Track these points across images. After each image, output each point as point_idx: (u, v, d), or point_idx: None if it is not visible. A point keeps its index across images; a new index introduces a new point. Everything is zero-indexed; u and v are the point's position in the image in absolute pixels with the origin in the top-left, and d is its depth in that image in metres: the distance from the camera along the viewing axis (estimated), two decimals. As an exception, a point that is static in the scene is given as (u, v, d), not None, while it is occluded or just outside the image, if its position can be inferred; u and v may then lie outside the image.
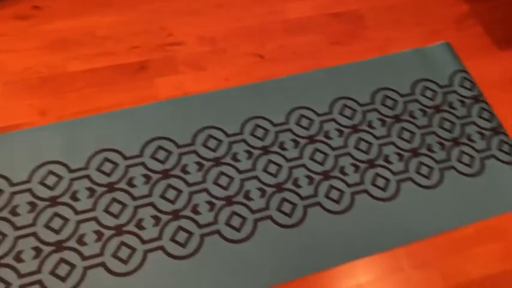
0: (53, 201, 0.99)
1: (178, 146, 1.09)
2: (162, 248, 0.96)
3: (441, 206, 1.08)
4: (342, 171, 1.10)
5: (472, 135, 1.18)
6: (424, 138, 1.17)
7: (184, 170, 1.06)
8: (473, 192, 1.10)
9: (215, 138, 1.11)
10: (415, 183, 1.10)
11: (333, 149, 1.13)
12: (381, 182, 1.09)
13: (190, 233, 0.98)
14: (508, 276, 1.02)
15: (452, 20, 1.41)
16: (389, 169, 1.11)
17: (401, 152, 1.14)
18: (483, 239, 1.06)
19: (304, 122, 1.16)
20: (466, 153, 1.15)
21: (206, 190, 1.04)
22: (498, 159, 1.15)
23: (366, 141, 1.15)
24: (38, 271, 0.91)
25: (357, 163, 1.11)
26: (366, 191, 1.08)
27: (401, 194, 1.08)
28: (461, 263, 1.02)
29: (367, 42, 1.33)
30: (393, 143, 1.15)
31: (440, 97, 1.24)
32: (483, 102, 1.23)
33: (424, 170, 1.12)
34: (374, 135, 1.16)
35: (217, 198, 1.03)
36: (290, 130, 1.14)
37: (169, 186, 1.03)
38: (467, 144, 1.17)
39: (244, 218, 1.01)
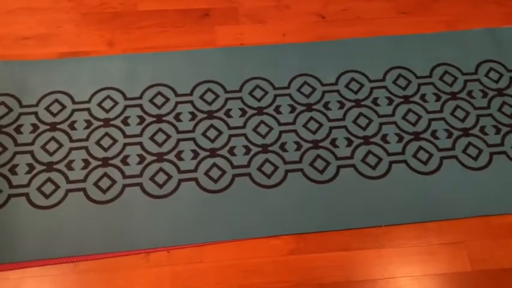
0: (107, 122, 1.08)
1: (226, 91, 1.13)
2: (195, 179, 1.02)
3: (483, 189, 1.03)
4: (384, 139, 1.08)
5: (534, 124, 1.10)
6: (479, 120, 1.11)
7: (228, 114, 1.10)
8: (522, 182, 1.04)
9: (262, 89, 1.14)
10: (460, 162, 1.06)
11: (379, 116, 1.11)
12: (423, 155, 1.06)
13: (223, 171, 1.03)
14: (544, 273, 0.96)
15: (538, 3, 1.30)
16: (434, 144, 1.08)
17: (451, 130, 1.10)
18: (524, 231, 1.00)
19: (354, 86, 1.15)
20: (523, 142, 1.08)
21: (245, 136, 1.08)
22: (559, 152, 1.07)
23: (415, 113, 1.12)
24: (84, 180, 1.01)
25: (402, 133, 1.09)
26: (405, 162, 1.06)
27: (442, 171, 1.05)
28: (494, 250, 0.98)
29: (437, 16, 1.27)
30: (444, 119, 1.11)
31: (506, 81, 1.16)
32: (554, 92, 1.14)
33: (472, 151, 1.07)
34: (425, 109, 1.12)
35: (254, 144, 1.06)
36: (338, 91, 1.14)
37: (212, 126, 1.08)
38: (527, 133, 1.09)
39: (275, 167, 1.04)
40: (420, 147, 1.07)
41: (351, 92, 1.14)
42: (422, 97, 1.14)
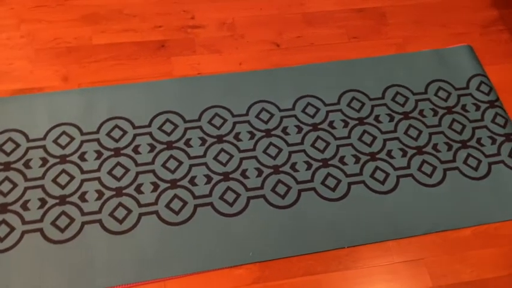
0: (63, 159, 1.06)
1: (185, 121, 1.13)
2: (156, 212, 1.01)
3: (439, 205, 1.06)
4: (342, 160, 1.11)
5: (482, 139, 1.15)
6: (431, 138, 1.15)
7: (187, 144, 1.10)
8: (475, 196, 1.08)
9: (221, 116, 1.15)
10: (416, 180, 1.09)
11: (336, 138, 1.14)
12: (380, 175, 1.09)
13: (184, 202, 1.02)
14: (501, 283, 0.99)
15: (478, 24, 1.38)
16: (390, 164, 1.11)
17: (406, 149, 1.13)
18: (479, 243, 1.03)
19: (310, 110, 1.17)
20: (473, 157, 1.13)
21: (206, 165, 1.08)
22: (507, 165, 1.12)
23: (371, 134, 1.15)
24: (40, 220, 0.98)
25: (358, 154, 1.12)
26: (364, 182, 1.08)
27: (399, 189, 1.07)
28: (453, 264, 1.01)
29: (387, 39, 1.33)
30: (398, 139, 1.15)
31: (454, 99, 1.22)
32: (499, 108, 1.20)
33: (427, 169, 1.11)
34: (379, 129, 1.16)
35: (215, 172, 1.06)
36: (295, 116, 1.16)
37: (172, 156, 1.08)
38: (476, 148, 1.14)
39: (237, 194, 1.04)
40: (377, 167, 1.10)
41: (307, 117, 1.16)
42: (376, 118, 1.18)
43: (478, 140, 1.15)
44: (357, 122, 1.16)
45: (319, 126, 1.15)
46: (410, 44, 1.33)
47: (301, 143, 1.12)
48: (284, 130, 1.14)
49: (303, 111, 1.17)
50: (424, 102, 1.21)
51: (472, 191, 1.08)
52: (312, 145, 1.12)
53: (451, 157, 1.13)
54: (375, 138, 1.14)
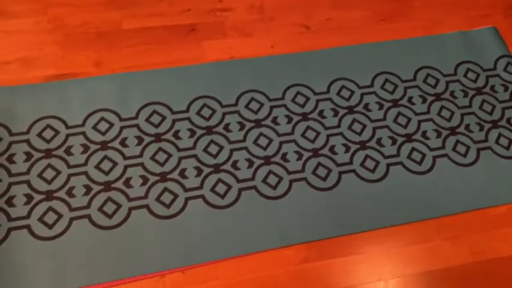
0: (104, 145, 1.05)
1: (223, 106, 1.13)
2: (202, 196, 1.01)
3: (475, 184, 1.09)
4: (379, 142, 1.13)
5: (511, 119, 1.18)
6: (463, 118, 1.18)
7: (226, 129, 1.10)
8: (508, 174, 1.11)
9: (258, 101, 1.15)
10: (451, 160, 1.12)
11: (371, 120, 1.15)
12: (417, 156, 1.11)
13: (228, 186, 1.03)
14: (537, 258, 1.03)
15: (501, 6, 1.40)
16: (426, 144, 1.13)
17: (440, 129, 1.16)
18: (515, 220, 1.07)
19: (345, 93, 1.18)
20: (504, 136, 1.16)
21: (246, 149, 1.08)
22: (537, 144, 1.15)
23: (405, 116, 1.17)
24: (87, 206, 0.98)
25: (394, 136, 1.14)
26: (402, 163, 1.10)
27: (435, 169, 1.10)
28: (490, 241, 1.04)
29: (414, 22, 1.34)
30: (432, 120, 1.17)
31: (483, 80, 1.24)
32: (526, 88, 1.23)
33: (461, 149, 1.13)
34: (413, 111, 1.18)
35: (256, 156, 1.07)
36: (330, 99, 1.17)
37: (212, 141, 1.08)
38: (506, 128, 1.17)
39: (280, 178, 1.06)
40: (413, 149, 1.12)
41: (342, 99, 1.17)
42: (410, 100, 1.19)
43: (508, 120, 1.18)
44: (391, 104, 1.18)
45: (354, 109, 1.16)
46: (436, 26, 1.34)
47: (338, 125, 1.14)
48: (320, 113, 1.15)
49: (338, 94, 1.18)
50: (455, 84, 1.23)
51: (506, 169, 1.11)
52: (349, 128, 1.14)
53: (483, 137, 1.16)
54: (409, 119, 1.16)
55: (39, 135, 1.04)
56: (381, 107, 1.17)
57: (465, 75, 1.24)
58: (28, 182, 0.99)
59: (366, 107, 1.17)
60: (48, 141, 1.04)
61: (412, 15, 1.35)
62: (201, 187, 1.03)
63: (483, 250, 1.03)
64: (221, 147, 1.08)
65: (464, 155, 1.13)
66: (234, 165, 1.06)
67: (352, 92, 1.19)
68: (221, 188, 1.03)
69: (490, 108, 1.20)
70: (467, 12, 1.37)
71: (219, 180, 1.04)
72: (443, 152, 1.13)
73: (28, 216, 0.95)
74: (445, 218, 1.06)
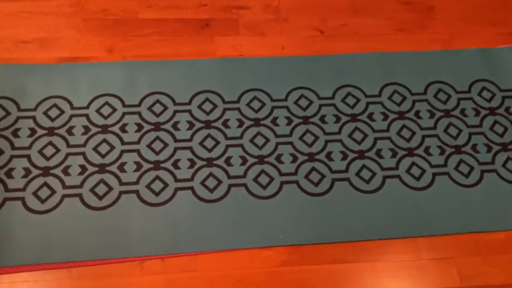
0: (105, 128, 1.08)
1: (224, 102, 1.14)
2: (191, 188, 1.03)
3: (474, 206, 1.05)
4: (379, 153, 1.10)
5: (524, 144, 1.13)
6: (471, 138, 1.13)
7: (225, 124, 1.11)
8: (511, 199, 1.06)
9: (260, 100, 1.15)
10: (451, 179, 1.08)
11: (374, 131, 1.13)
12: (416, 171, 1.08)
13: (219, 181, 1.04)
14: (531, 290, 0.98)
15: (531, 25, 1.34)
16: (427, 160, 1.10)
17: (444, 147, 1.12)
18: (512, 248, 1.02)
19: (350, 100, 1.17)
20: (514, 161, 1.11)
21: (242, 146, 1.09)
22: (548, 172, 1.10)
23: (410, 130, 1.14)
24: (80, 186, 1.01)
25: (396, 149, 1.11)
26: (399, 177, 1.07)
27: (434, 187, 1.07)
28: (483, 266, 1.00)
29: (433, 34, 1.30)
30: (437, 136, 1.13)
31: (498, 100, 1.19)
32: (544, 113, 1.17)
33: (464, 169, 1.09)
34: (419, 125, 1.14)
35: (250, 155, 1.08)
36: (334, 105, 1.16)
37: (209, 135, 1.09)
38: (517, 152, 1.12)
39: (271, 178, 1.05)
40: (413, 163, 1.09)
41: (347, 107, 1.16)
42: (417, 113, 1.16)
43: (520, 145, 1.13)
44: (396, 115, 1.15)
45: (358, 117, 1.14)
46: (456, 40, 1.30)
47: (339, 132, 1.12)
48: (322, 118, 1.14)
49: (343, 100, 1.16)
50: (467, 101, 1.19)
51: (509, 195, 1.06)
52: (350, 136, 1.12)
53: (490, 159, 1.11)
54: (413, 133, 1.13)
55: (45, 113, 1.09)
56: (386, 117, 1.15)
57: (479, 94, 1.20)
58: (28, 157, 1.03)
59: (370, 116, 1.15)
60: (52, 120, 1.08)
61: (432, 27, 1.31)
62: (191, 179, 1.04)
63: (473, 275, 0.99)
64: (217, 142, 1.09)
65: (467, 176, 1.08)
66: (228, 161, 1.07)
67: (358, 100, 1.17)
68: (211, 182, 1.04)
69: (501, 130, 1.15)
70: (492, 28, 1.32)
71: (211, 174, 1.05)
72: (444, 170, 1.09)
73: (24, 189, 1.00)
74: (437, 238, 1.02)
